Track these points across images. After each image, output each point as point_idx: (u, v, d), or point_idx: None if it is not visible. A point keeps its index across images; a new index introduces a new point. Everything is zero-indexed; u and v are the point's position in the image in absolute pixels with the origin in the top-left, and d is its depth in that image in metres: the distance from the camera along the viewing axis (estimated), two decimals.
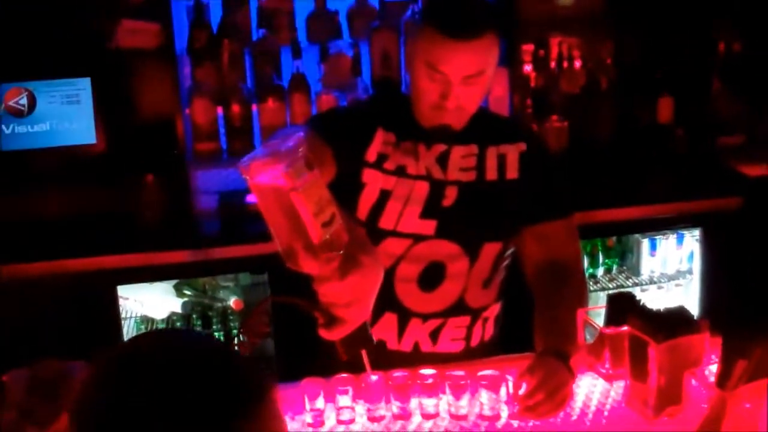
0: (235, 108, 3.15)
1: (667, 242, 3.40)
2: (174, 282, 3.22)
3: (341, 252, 1.28)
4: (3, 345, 2.52)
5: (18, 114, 2.99)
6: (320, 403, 1.68)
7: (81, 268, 2.87)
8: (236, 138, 3.15)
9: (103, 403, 0.89)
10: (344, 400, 1.68)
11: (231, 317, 3.22)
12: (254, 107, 3.18)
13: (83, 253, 2.88)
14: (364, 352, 1.44)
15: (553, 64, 3.43)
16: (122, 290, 3.01)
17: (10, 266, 2.80)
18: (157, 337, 0.98)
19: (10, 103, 2.98)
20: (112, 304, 2.95)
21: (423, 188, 1.90)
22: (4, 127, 2.98)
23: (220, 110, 3.17)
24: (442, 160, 1.92)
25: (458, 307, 1.95)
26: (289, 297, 1.37)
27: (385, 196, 1.89)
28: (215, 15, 3.18)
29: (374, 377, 1.67)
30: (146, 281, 3.08)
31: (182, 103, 3.15)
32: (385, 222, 1.89)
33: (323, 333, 1.34)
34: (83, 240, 2.93)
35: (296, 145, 1.25)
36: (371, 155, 1.91)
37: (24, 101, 2.99)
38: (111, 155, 3.07)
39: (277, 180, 1.22)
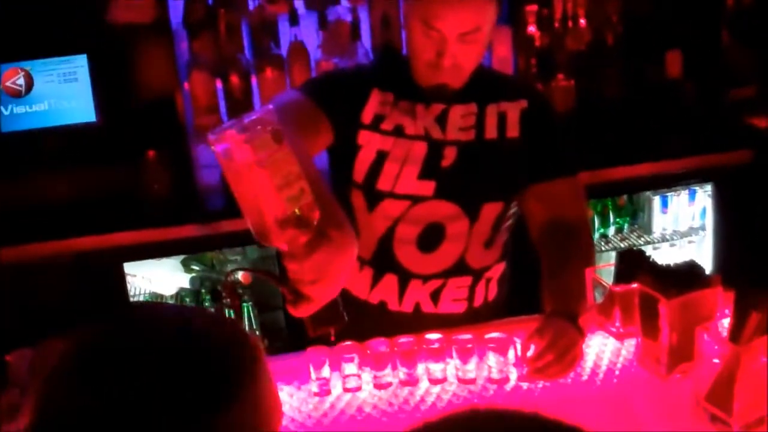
0: (234, 79, 3.10)
1: (678, 199, 3.35)
2: (181, 257, 3.20)
3: (309, 229, 1.25)
4: (8, 326, 2.51)
5: (16, 94, 2.95)
6: (326, 371, 1.65)
7: (87, 247, 2.85)
8: (237, 110, 3.11)
9: (64, 402, 0.84)
10: (350, 368, 1.66)
11: (240, 291, 3.20)
12: (253, 78, 3.13)
13: (88, 231, 2.87)
14: (332, 331, 1.42)
15: (557, 24, 3.36)
16: (129, 267, 3.00)
17: (15, 247, 2.78)
18: (124, 321, 0.93)
19: (8, 83, 2.94)
20: (119, 282, 2.94)
21: (421, 148, 1.86)
22: (2, 108, 2.94)
23: (219, 82, 3.13)
24: (441, 120, 1.87)
25: (459, 268, 1.92)
26: (259, 270, 1.34)
27: (382, 157, 1.86)
28: None
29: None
30: (153, 258, 3.06)
31: (180, 77, 3.10)
32: (383, 183, 1.86)
33: (291, 310, 1.31)
34: (88, 219, 2.91)
35: (262, 117, 1.23)
36: (367, 116, 1.87)
37: (21, 81, 2.95)
38: (111, 132, 3.04)
39: (240, 153, 1.20)
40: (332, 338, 1.50)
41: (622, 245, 3.35)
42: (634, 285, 1.69)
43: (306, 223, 1.25)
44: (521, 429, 0.66)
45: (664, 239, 3.36)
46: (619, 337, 1.79)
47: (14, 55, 2.96)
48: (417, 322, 1.86)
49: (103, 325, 0.91)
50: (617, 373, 1.68)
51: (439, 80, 1.82)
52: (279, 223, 1.22)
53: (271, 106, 1.31)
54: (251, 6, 3.17)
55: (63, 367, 0.87)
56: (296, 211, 1.23)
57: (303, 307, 1.31)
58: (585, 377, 1.67)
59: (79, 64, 2.99)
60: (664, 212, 3.36)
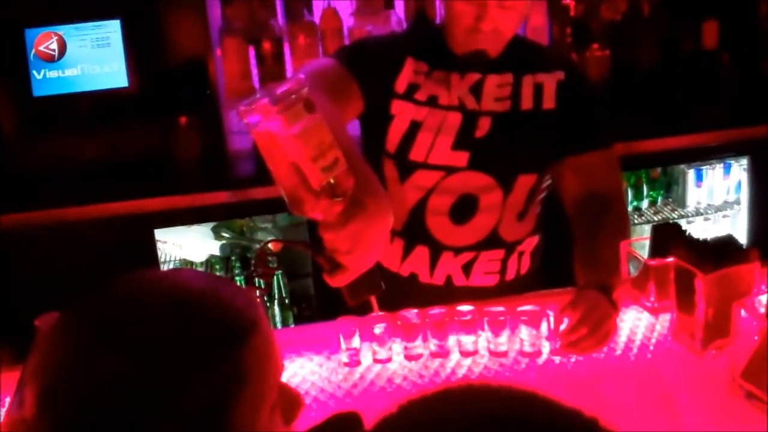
0: (267, 46, 3.09)
1: (713, 172, 3.31)
2: (212, 225, 3.21)
3: (344, 197, 1.24)
4: (40, 290, 2.53)
5: (49, 59, 2.96)
6: (356, 342, 1.65)
7: (117, 212, 2.86)
8: (269, 76, 3.09)
9: (62, 370, 0.83)
10: (379, 339, 1.65)
11: (270, 259, 3.20)
12: (286, 45, 3.11)
13: (119, 197, 2.87)
14: (372, 298, 1.41)
15: None
16: (160, 234, 3.01)
17: (46, 211, 2.80)
18: (119, 293, 0.89)
19: (41, 48, 2.95)
20: (150, 248, 2.95)
21: (455, 119, 1.84)
22: (35, 72, 2.95)
23: (251, 49, 3.11)
24: (476, 90, 1.85)
25: (491, 240, 1.90)
26: (295, 241, 1.34)
27: (415, 127, 1.84)
28: None
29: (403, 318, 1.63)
30: (184, 224, 3.07)
31: (213, 42, 3.09)
32: (416, 154, 1.84)
33: (327, 279, 1.31)
34: (119, 184, 2.92)
35: (293, 87, 1.21)
36: (400, 86, 1.85)
37: (54, 46, 2.96)
38: (143, 98, 3.04)
39: (272, 123, 1.19)
40: (375, 310, 1.50)
41: (655, 219, 3.31)
42: (670, 259, 1.67)
43: (341, 193, 1.24)
44: (515, 407, 0.65)
45: (698, 213, 3.32)
46: (654, 311, 1.77)
47: (47, 20, 2.96)
48: (448, 295, 1.85)
49: (99, 295, 0.90)
50: (651, 348, 1.66)
51: (477, 46, 1.79)
52: (314, 193, 1.21)
53: (302, 75, 1.30)
54: None
55: (55, 345, 0.86)
56: (331, 180, 1.22)
57: (340, 277, 1.30)
58: (618, 352, 1.65)
59: (113, 29, 2.99)
60: (698, 186, 3.31)
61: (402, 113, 1.84)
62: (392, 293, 1.83)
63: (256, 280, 2.81)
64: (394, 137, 1.85)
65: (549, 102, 1.88)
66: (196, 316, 0.85)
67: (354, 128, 1.92)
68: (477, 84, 1.85)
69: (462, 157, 1.84)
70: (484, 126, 1.84)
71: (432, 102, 1.84)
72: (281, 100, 1.18)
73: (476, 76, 1.85)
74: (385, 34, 2.83)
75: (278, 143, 1.21)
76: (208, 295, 0.87)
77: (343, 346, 1.65)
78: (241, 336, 0.85)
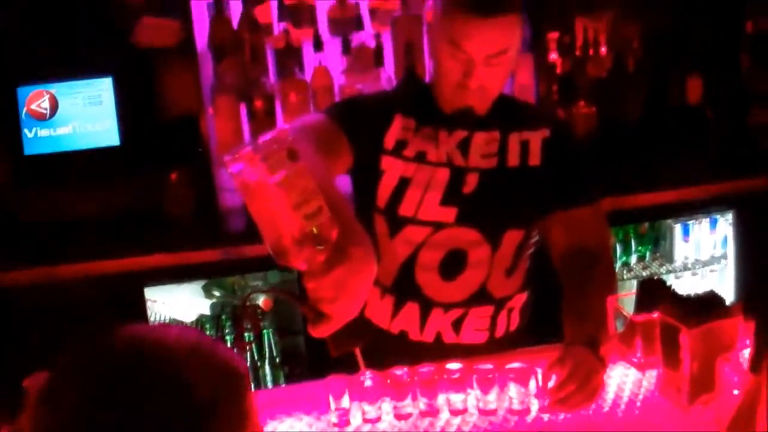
0: (259, 103, 3.13)
1: (700, 227, 3.34)
2: (202, 282, 3.21)
3: (327, 246, 1.24)
4: (28, 349, 2.53)
5: (40, 117, 2.99)
6: (345, 401, 1.65)
7: (108, 270, 2.87)
8: (260, 133, 3.11)
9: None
10: (369, 398, 1.65)
11: (261, 316, 3.20)
12: (277, 102, 3.16)
13: (110, 254, 2.88)
14: (358, 352, 1.41)
15: (578, 51, 3.37)
16: (150, 292, 3.00)
17: (37, 268, 2.80)
18: (103, 347, 0.91)
19: (32, 106, 2.98)
20: (140, 307, 2.95)
21: (443, 175, 1.86)
22: (26, 130, 2.98)
23: (243, 106, 3.15)
24: (464, 146, 1.88)
25: (481, 297, 1.91)
26: (280, 290, 1.34)
27: (404, 183, 1.86)
28: (236, 10, 3.16)
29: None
30: (174, 282, 3.07)
31: (205, 100, 3.13)
32: (405, 209, 1.86)
33: (311, 329, 1.29)
34: (110, 241, 2.93)
35: (277, 137, 1.22)
36: (389, 142, 1.88)
37: (46, 104, 2.99)
38: (135, 155, 3.07)
39: (255, 172, 1.19)
40: (360, 362, 1.49)
41: (644, 273, 3.33)
42: (655, 314, 1.68)
43: (324, 241, 1.24)
44: None
45: (686, 268, 3.34)
46: (641, 367, 1.78)
47: (40, 78, 2.99)
48: (438, 352, 1.85)
49: (86, 351, 0.91)
50: (639, 404, 1.67)
51: (464, 103, 1.83)
52: (297, 241, 1.21)
53: (286, 126, 1.31)
54: (276, 30, 3.20)
55: (46, 394, 0.88)
56: (314, 228, 1.22)
57: (323, 326, 1.28)
58: (606, 408, 1.66)
59: (105, 87, 3.03)
60: (685, 240, 3.34)
61: (391, 169, 1.87)
62: (382, 350, 1.84)
63: (246, 335, 2.80)
64: (383, 192, 1.88)
65: (535, 159, 1.91)
66: (169, 387, 0.87)
67: (345, 183, 1.94)
68: (464, 140, 1.88)
69: (450, 213, 1.86)
70: (471, 182, 1.87)
71: (420, 158, 1.87)
72: (264, 148, 1.19)
73: (464, 133, 1.88)
74: (374, 91, 2.88)
75: (261, 191, 1.21)
76: (186, 362, 0.89)
77: (333, 406, 1.65)
78: (207, 411, 0.87)
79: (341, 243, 1.26)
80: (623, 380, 1.76)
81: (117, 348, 0.90)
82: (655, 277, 2.23)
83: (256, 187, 1.22)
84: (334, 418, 1.64)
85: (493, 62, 1.77)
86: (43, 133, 2.98)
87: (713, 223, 3.33)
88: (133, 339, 0.91)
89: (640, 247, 3.42)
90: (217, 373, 0.90)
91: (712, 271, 3.36)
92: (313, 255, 1.23)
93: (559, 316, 1.83)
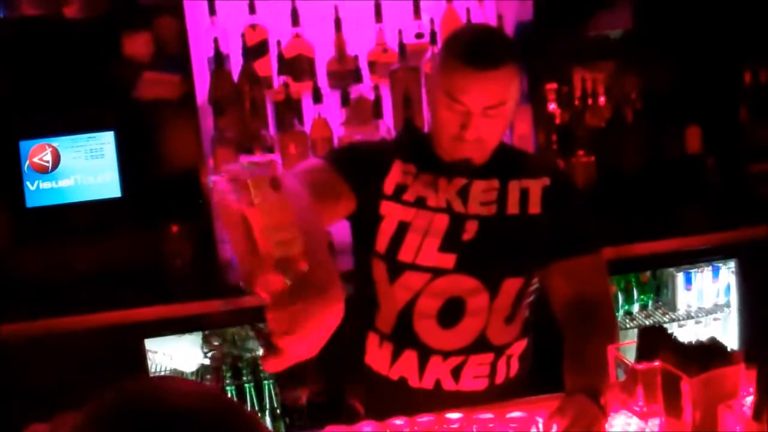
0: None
1: (702, 275, 3.33)
2: (202, 333, 3.20)
3: (293, 278, 1.23)
4: (29, 400, 2.50)
5: (42, 170, 3.01)
6: None
7: (108, 322, 2.86)
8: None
9: None
10: None
11: (261, 368, 3.18)
12: (277, 154, 3.17)
13: (110, 306, 2.88)
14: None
15: (577, 101, 3.40)
16: (150, 344, 2.99)
17: (36, 322, 2.80)
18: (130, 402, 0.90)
19: (35, 159, 3.00)
20: (140, 358, 2.94)
21: (443, 221, 1.87)
22: (29, 183, 3.00)
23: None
24: (463, 194, 1.89)
25: (480, 344, 1.90)
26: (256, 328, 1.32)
27: (403, 227, 1.87)
28: (236, 64, 3.19)
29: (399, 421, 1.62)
30: (174, 333, 3.06)
31: (205, 152, 3.15)
32: (405, 255, 1.86)
33: (262, 362, 1.27)
34: (110, 293, 2.93)
35: (263, 162, 1.23)
36: (389, 187, 1.89)
37: (48, 157, 3.01)
38: (136, 207, 3.08)
39: (237, 190, 1.21)
40: (301, 402, 1.46)
41: (647, 322, 3.31)
42: (656, 363, 1.67)
43: (290, 272, 1.23)
44: None
45: (689, 316, 3.32)
46: (643, 416, 1.76)
47: (42, 132, 3.02)
48: (438, 399, 1.84)
49: (102, 403, 0.90)
50: None
51: (462, 154, 1.84)
52: (264, 265, 1.21)
53: (275, 156, 1.32)
54: (276, 84, 3.23)
55: None
56: (283, 258, 1.22)
57: (272, 360, 1.26)
58: None
59: (107, 140, 3.05)
60: (688, 289, 3.33)
61: (390, 214, 1.87)
62: (381, 397, 1.84)
63: (247, 387, 2.77)
64: (383, 237, 1.88)
65: (535, 207, 1.91)
66: None
67: (345, 232, 1.95)
68: (464, 188, 1.89)
69: (449, 260, 1.86)
70: (471, 229, 1.87)
71: (420, 203, 1.88)
72: (249, 169, 1.21)
73: (463, 181, 1.89)
74: (375, 139, 2.90)
75: (237, 211, 1.22)
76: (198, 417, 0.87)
77: None
78: None
79: (309, 279, 1.24)
80: (625, 429, 1.73)
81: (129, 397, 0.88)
82: (656, 325, 2.21)
83: (235, 206, 1.23)
84: None
85: (491, 113, 1.78)
86: (45, 185, 3.00)
87: (716, 272, 3.32)
88: (148, 391, 0.90)
89: (642, 296, 3.40)
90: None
91: (715, 319, 3.33)
92: (277, 284, 1.22)
93: (559, 363, 1.82)
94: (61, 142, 3.02)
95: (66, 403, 1.81)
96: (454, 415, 1.67)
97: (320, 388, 1.34)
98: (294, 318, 1.23)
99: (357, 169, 1.87)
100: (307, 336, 1.25)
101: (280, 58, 3.23)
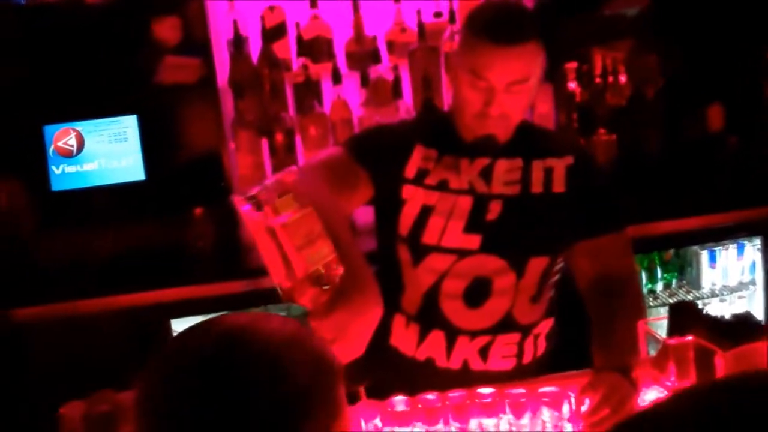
0: (279, 137, 3.15)
1: (727, 253, 3.31)
2: (226, 314, 3.21)
3: (330, 287, 1.27)
4: (58, 382, 2.53)
5: (67, 154, 3.02)
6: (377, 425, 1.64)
7: (134, 304, 2.88)
8: (281, 167, 3.14)
9: (157, 413, 0.91)
10: (401, 422, 1.64)
11: None
12: (297, 136, 3.18)
13: (135, 288, 2.90)
14: (361, 391, 1.43)
15: (597, 80, 3.38)
16: (176, 324, 3.01)
17: (64, 303, 2.82)
18: (209, 334, 0.97)
19: (59, 143, 3.01)
20: (165, 339, 2.95)
21: (466, 202, 1.86)
22: (54, 167, 3.01)
23: (264, 141, 3.17)
24: (486, 174, 1.88)
25: (507, 324, 1.91)
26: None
27: (426, 211, 1.86)
28: (255, 47, 3.19)
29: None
30: (199, 314, 3.07)
31: (226, 135, 3.16)
32: (428, 237, 1.86)
33: None
34: (135, 276, 2.95)
35: (284, 180, 1.29)
36: (410, 171, 1.89)
37: (72, 141, 3.02)
38: (159, 190, 3.09)
39: (262, 213, 1.26)
40: (361, 396, 1.51)
41: (670, 301, 3.30)
42: (689, 338, 1.67)
43: (327, 282, 1.28)
44: None
45: (713, 294, 3.31)
46: (675, 391, 1.76)
47: (66, 116, 3.03)
48: (465, 380, 1.84)
49: (188, 341, 0.96)
50: None
51: (486, 131, 1.83)
52: (301, 281, 1.26)
53: (294, 168, 1.36)
54: (295, 66, 3.23)
55: (156, 385, 0.93)
56: (318, 269, 1.27)
57: None
58: None
59: (129, 124, 3.06)
60: (712, 267, 3.31)
61: (413, 198, 1.87)
62: (409, 378, 1.84)
63: None
64: (406, 221, 1.88)
65: (559, 186, 1.91)
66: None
67: (367, 215, 1.95)
68: (487, 168, 1.88)
69: (474, 240, 1.86)
70: (495, 209, 1.87)
71: (442, 186, 1.87)
72: (271, 190, 1.25)
73: (486, 161, 1.89)
74: (394, 122, 2.89)
75: (267, 232, 1.27)
76: (283, 350, 0.95)
77: (364, 427, 1.64)
78: (302, 399, 0.93)
79: (345, 285, 1.31)
80: None
81: (215, 336, 0.95)
82: (687, 301, 2.21)
83: (263, 228, 1.27)
84: None
85: (514, 89, 1.78)
86: (70, 169, 3.01)
87: (740, 249, 3.30)
88: (232, 327, 0.96)
89: (665, 275, 3.39)
90: (313, 363, 0.96)
91: (740, 297, 3.32)
92: (317, 295, 1.28)
93: (585, 343, 1.82)
94: (85, 127, 3.03)
95: (94, 384, 1.83)
96: (485, 390, 1.67)
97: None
98: (337, 325, 1.29)
99: (377, 156, 1.88)
100: (352, 340, 1.32)
101: (299, 39, 3.22)
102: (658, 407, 0.74)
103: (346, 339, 1.30)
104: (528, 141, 1.93)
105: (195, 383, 0.90)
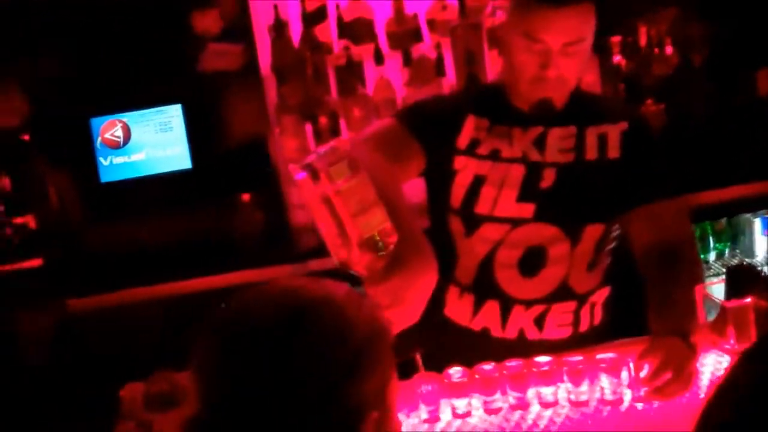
0: (323, 121, 3.15)
1: None
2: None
3: (386, 253, 1.27)
4: (112, 367, 2.57)
5: (114, 146, 3.06)
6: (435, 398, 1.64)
7: (184, 291, 2.91)
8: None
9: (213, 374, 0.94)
10: (457, 394, 1.63)
11: None
12: (341, 118, 3.18)
13: (185, 275, 2.93)
14: (418, 358, 1.46)
15: (643, 51, 3.33)
16: None
17: (115, 293, 2.86)
18: (260, 301, 1.00)
19: (106, 135, 3.05)
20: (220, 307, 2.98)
21: (519, 171, 1.84)
22: (102, 159, 3.05)
23: (308, 125, 3.18)
24: (539, 143, 1.86)
25: (562, 292, 1.88)
26: None
27: (479, 181, 1.85)
28: (296, 31, 3.20)
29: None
30: None
31: (271, 121, 3.17)
32: (481, 207, 1.85)
33: None
34: (185, 263, 2.97)
35: (338, 146, 1.29)
36: (462, 142, 1.87)
37: (119, 133, 3.06)
38: (207, 178, 3.12)
39: (317, 181, 1.27)
40: (420, 368, 1.51)
41: (723, 270, 3.24)
42: (748, 299, 1.64)
43: (382, 248, 1.29)
44: None
45: (767, 263, 3.25)
46: (735, 354, 1.73)
47: (112, 108, 3.07)
48: (521, 349, 1.82)
49: (247, 305, 0.99)
50: None
51: (543, 94, 1.81)
52: (356, 248, 1.27)
53: (347, 136, 1.37)
54: (336, 48, 3.23)
55: (213, 352, 0.97)
56: (373, 236, 1.27)
57: None
58: (702, 395, 1.61)
59: (174, 113, 3.09)
60: (765, 235, 3.25)
61: (465, 168, 1.86)
62: (464, 349, 1.84)
63: None
64: (458, 192, 1.86)
65: (614, 151, 1.88)
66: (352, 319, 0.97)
67: (420, 187, 1.94)
68: (540, 137, 1.86)
69: (528, 209, 1.84)
70: (549, 177, 1.85)
71: (494, 156, 1.86)
72: (326, 158, 1.26)
73: (539, 129, 1.86)
74: (444, 93, 2.88)
75: (323, 200, 1.27)
76: (345, 304, 0.98)
77: (422, 403, 1.63)
78: (364, 350, 0.96)
79: (400, 251, 1.31)
80: (717, 368, 1.71)
81: (274, 299, 0.99)
82: (745, 264, 2.17)
83: (319, 195, 1.28)
84: (424, 414, 1.63)
85: (570, 51, 1.76)
86: (118, 160, 3.05)
87: None
88: (287, 290, 1.00)
89: (718, 244, 3.34)
90: (368, 324, 0.98)
91: None
92: (372, 262, 1.29)
93: (641, 312, 1.79)
94: (131, 117, 3.07)
95: (147, 370, 1.86)
96: (543, 359, 1.66)
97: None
98: (392, 291, 1.30)
99: (428, 126, 1.86)
100: (409, 306, 1.32)
101: (340, 22, 3.22)
102: None
103: (403, 305, 1.30)
104: (581, 108, 1.91)
105: (259, 344, 0.91)
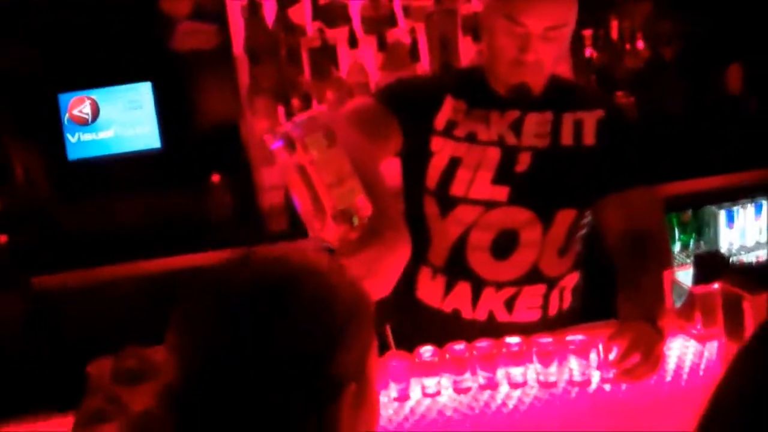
0: (296, 103, 3.14)
1: (744, 213, 3.29)
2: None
3: (360, 225, 1.28)
4: (80, 345, 2.55)
5: (82, 122, 3.02)
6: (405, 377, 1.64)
7: (152, 270, 2.89)
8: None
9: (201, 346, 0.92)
10: (427, 373, 1.64)
11: None
12: (314, 101, 3.17)
13: (153, 255, 2.90)
14: (389, 335, 1.45)
15: (615, 42, 3.36)
16: None
17: (83, 270, 2.83)
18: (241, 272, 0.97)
19: (74, 112, 3.02)
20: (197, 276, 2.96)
21: (495, 154, 1.85)
22: (69, 136, 3.01)
23: (280, 107, 3.17)
24: (516, 127, 1.87)
25: (533, 276, 1.90)
26: None
27: (455, 163, 1.85)
28: (270, 12, 3.18)
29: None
30: None
31: (243, 101, 3.15)
32: (456, 189, 1.85)
33: None
34: (153, 243, 2.95)
35: (316, 118, 1.30)
36: (439, 123, 1.87)
37: (87, 110, 3.03)
38: (176, 158, 3.09)
39: (293, 151, 1.26)
40: (391, 343, 1.52)
41: (688, 261, 3.28)
42: (715, 285, 1.66)
43: (357, 221, 1.28)
44: None
45: (731, 254, 3.29)
46: (701, 339, 1.76)
47: (80, 84, 3.03)
48: (491, 331, 1.83)
49: (226, 273, 0.96)
50: (702, 373, 1.65)
51: (520, 78, 1.82)
52: (330, 219, 1.27)
53: (324, 107, 1.37)
54: (311, 30, 3.21)
55: (192, 319, 0.95)
56: (348, 208, 1.28)
57: None
58: (669, 378, 1.63)
59: (144, 91, 3.06)
60: (730, 227, 3.29)
61: (442, 150, 1.86)
62: (435, 329, 1.84)
63: None
64: (434, 173, 1.87)
65: (589, 138, 1.89)
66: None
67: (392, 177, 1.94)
68: (517, 121, 1.87)
69: (502, 192, 1.85)
70: (524, 161, 1.85)
71: (471, 138, 1.86)
72: (302, 128, 1.26)
73: (516, 113, 1.87)
74: (423, 74, 2.87)
75: (298, 170, 1.27)
76: (328, 275, 0.97)
77: (392, 381, 1.64)
78: (345, 323, 0.95)
79: (374, 224, 1.30)
80: (683, 351, 1.73)
81: (255, 267, 0.96)
82: (711, 250, 2.20)
83: (294, 165, 1.27)
84: (394, 392, 1.63)
85: (550, 36, 1.77)
86: (86, 137, 3.02)
87: (758, 209, 3.28)
88: (268, 258, 0.98)
89: (683, 236, 3.37)
90: (352, 287, 0.98)
91: (758, 257, 3.31)
92: (345, 233, 1.29)
93: (609, 299, 1.80)
94: (99, 95, 3.03)
95: (114, 348, 1.84)
96: (513, 339, 1.67)
97: None
98: (365, 263, 1.29)
99: (406, 104, 1.86)
100: (381, 278, 1.32)
101: (314, 4, 3.21)
102: None
103: (376, 276, 1.29)
104: (559, 94, 1.92)
105: (241, 314, 0.91)
